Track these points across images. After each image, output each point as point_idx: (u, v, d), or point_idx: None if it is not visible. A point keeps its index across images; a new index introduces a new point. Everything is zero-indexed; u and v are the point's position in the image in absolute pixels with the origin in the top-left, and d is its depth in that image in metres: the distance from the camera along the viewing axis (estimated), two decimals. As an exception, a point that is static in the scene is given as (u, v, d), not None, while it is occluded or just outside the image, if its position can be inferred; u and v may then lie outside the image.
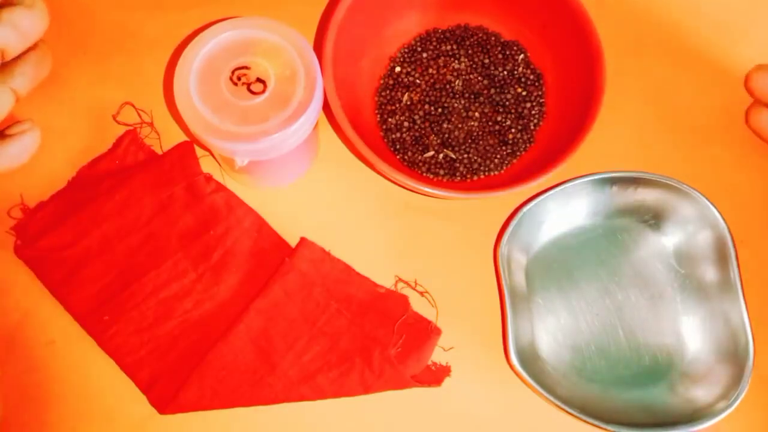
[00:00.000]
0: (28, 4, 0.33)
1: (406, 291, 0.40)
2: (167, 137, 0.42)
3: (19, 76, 0.38)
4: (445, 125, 0.42)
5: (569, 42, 0.40)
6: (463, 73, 0.43)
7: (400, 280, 0.40)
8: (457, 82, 0.43)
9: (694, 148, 0.44)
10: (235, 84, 0.33)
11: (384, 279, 0.40)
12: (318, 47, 0.39)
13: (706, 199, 0.40)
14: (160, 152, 0.42)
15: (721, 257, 0.39)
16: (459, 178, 0.42)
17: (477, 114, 0.42)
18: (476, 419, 0.39)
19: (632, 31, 0.46)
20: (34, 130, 0.38)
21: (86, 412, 0.38)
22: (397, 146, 0.42)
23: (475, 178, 0.42)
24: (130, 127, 0.42)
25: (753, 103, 0.43)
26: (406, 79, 0.43)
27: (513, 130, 0.42)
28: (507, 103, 0.42)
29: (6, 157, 0.38)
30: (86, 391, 0.38)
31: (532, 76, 0.43)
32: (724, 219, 0.39)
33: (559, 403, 0.36)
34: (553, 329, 0.40)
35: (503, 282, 0.38)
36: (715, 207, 0.39)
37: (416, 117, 0.42)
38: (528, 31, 0.43)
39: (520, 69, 0.43)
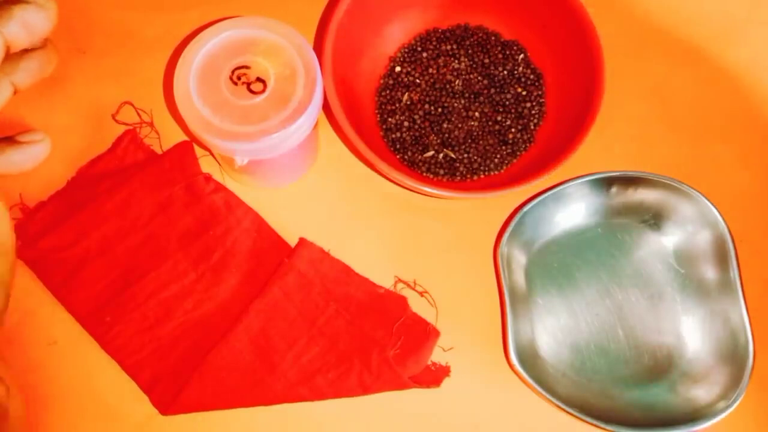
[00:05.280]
0: (41, 4, 0.33)
1: (406, 291, 0.40)
2: (167, 137, 0.42)
3: (22, 71, 0.38)
4: (445, 125, 0.42)
5: (569, 42, 0.40)
6: (463, 72, 0.43)
7: (400, 280, 0.40)
8: (457, 82, 0.43)
9: (694, 148, 0.44)
10: (235, 83, 0.33)
11: (383, 279, 0.40)
12: (318, 47, 0.39)
13: (706, 199, 0.40)
14: (159, 152, 0.42)
15: (721, 257, 0.39)
16: (459, 177, 0.42)
17: (477, 114, 0.42)
18: (476, 419, 0.39)
19: (632, 31, 0.46)
20: (45, 141, 0.38)
21: (88, 412, 0.38)
22: (397, 146, 0.42)
23: (475, 177, 0.42)
24: (130, 127, 0.42)
25: None
26: (406, 79, 0.43)
27: (513, 130, 0.42)
28: (507, 102, 0.42)
29: (11, 164, 0.38)
30: (88, 392, 0.38)
31: (532, 76, 0.43)
32: (724, 219, 0.39)
33: (558, 403, 0.36)
34: (553, 329, 0.40)
35: (503, 282, 0.38)
36: (715, 207, 0.39)
37: (416, 117, 0.42)
38: (528, 31, 0.43)
39: (520, 69, 0.43)
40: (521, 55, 0.43)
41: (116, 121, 0.42)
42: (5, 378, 0.31)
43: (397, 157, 0.42)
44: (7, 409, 0.30)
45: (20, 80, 0.38)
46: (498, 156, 0.42)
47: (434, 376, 0.39)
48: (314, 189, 0.42)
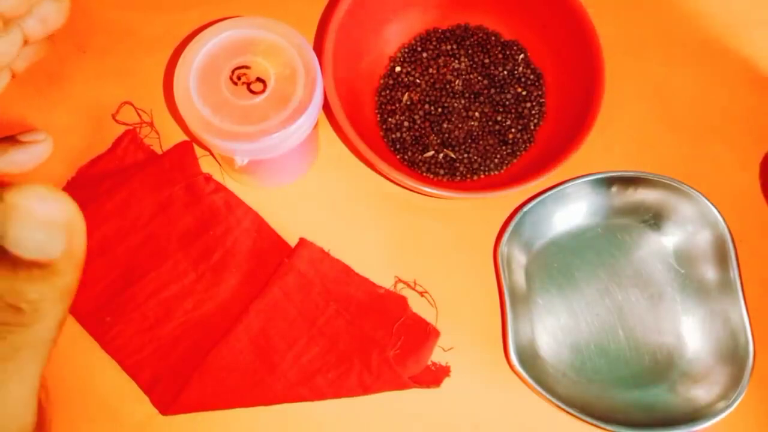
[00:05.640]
0: None
1: (406, 291, 0.40)
2: (167, 137, 0.42)
3: (19, 58, 0.38)
4: (445, 125, 0.42)
5: (569, 42, 0.40)
6: (463, 72, 0.43)
7: (400, 280, 0.40)
8: (457, 82, 0.43)
9: (694, 148, 0.44)
10: (235, 83, 0.33)
11: (383, 279, 0.40)
12: (318, 47, 0.39)
13: (706, 199, 0.40)
14: (159, 152, 0.42)
15: (721, 257, 0.39)
16: (459, 178, 0.42)
17: (477, 114, 0.42)
18: (476, 419, 0.39)
19: (632, 31, 0.46)
20: (47, 141, 0.39)
21: (89, 412, 0.38)
22: (397, 146, 0.42)
23: (475, 178, 0.42)
24: (130, 127, 0.42)
25: None
26: (406, 79, 0.43)
27: (513, 130, 0.42)
28: (507, 102, 0.42)
29: (12, 163, 0.38)
30: (88, 392, 0.38)
31: (532, 76, 0.43)
32: (724, 219, 0.39)
33: (559, 403, 0.36)
34: (553, 329, 0.40)
35: (503, 282, 0.38)
36: (715, 207, 0.39)
37: (416, 117, 0.42)
38: (528, 31, 0.43)
39: (520, 69, 0.43)
40: (521, 55, 0.43)
41: (116, 121, 0.42)
42: (46, 383, 0.31)
43: (397, 157, 0.42)
44: (47, 415, 0.30)
45: (18, 66, 0.38)
46: (498, 156, 0.42)
47: (434, 376, 0.39)
48: (314, 189, 0.42)
